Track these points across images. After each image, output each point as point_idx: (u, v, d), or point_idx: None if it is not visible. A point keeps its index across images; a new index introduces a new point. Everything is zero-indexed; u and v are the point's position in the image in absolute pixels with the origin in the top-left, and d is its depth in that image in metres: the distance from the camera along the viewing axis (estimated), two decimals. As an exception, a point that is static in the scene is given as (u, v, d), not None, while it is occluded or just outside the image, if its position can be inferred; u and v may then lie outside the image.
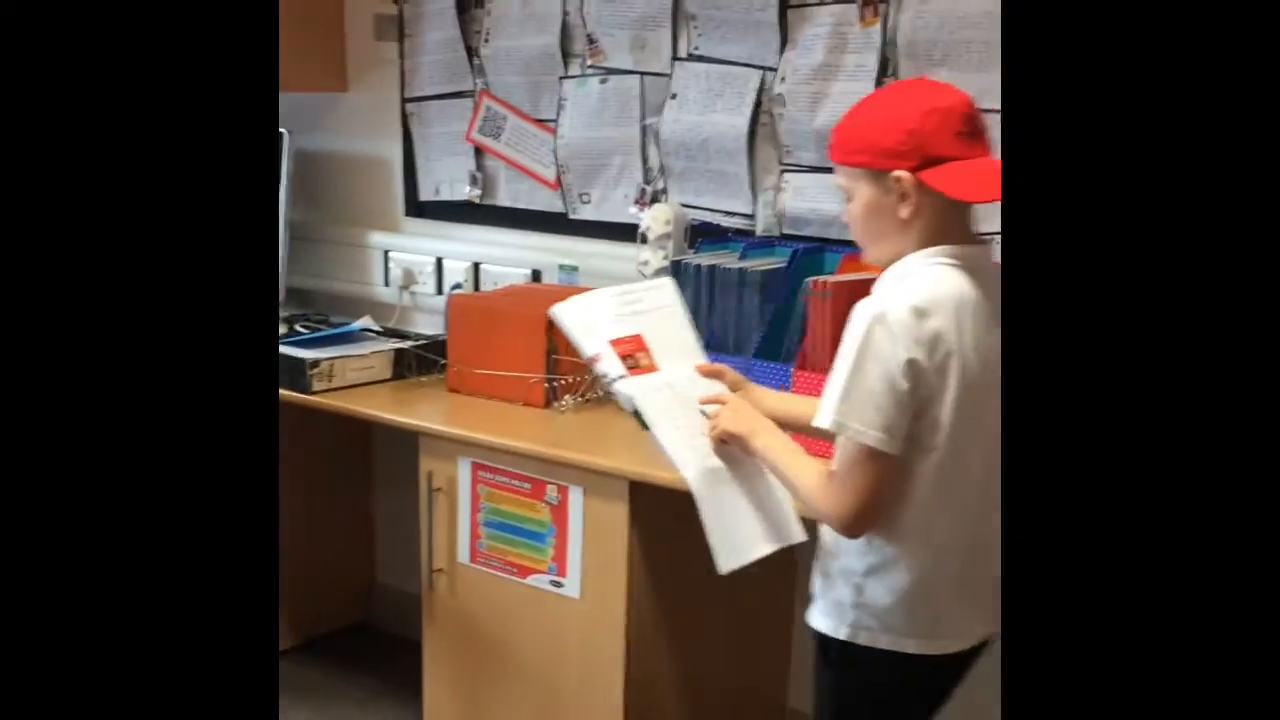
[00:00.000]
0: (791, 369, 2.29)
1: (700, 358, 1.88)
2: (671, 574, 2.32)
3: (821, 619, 1.70)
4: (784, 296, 2.36)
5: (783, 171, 2.56)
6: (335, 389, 2.68)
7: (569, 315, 1.85)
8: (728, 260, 2.46)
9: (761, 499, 1.74)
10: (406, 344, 2.83)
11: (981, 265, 1.60)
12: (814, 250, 2.45)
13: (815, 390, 2.24)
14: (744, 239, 2.57)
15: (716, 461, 1.73)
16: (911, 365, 1.52)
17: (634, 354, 1.82)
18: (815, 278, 2.29)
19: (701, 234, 2.59)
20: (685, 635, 2.39)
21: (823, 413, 1.56)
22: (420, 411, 2.58)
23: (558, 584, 2.33)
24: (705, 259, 2.47)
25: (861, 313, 1.56)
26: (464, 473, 2.43)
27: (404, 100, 3.11)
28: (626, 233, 2.68)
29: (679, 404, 1.78)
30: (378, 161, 3.22)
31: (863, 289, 2.27)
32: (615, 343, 1.82)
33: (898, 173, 1.57)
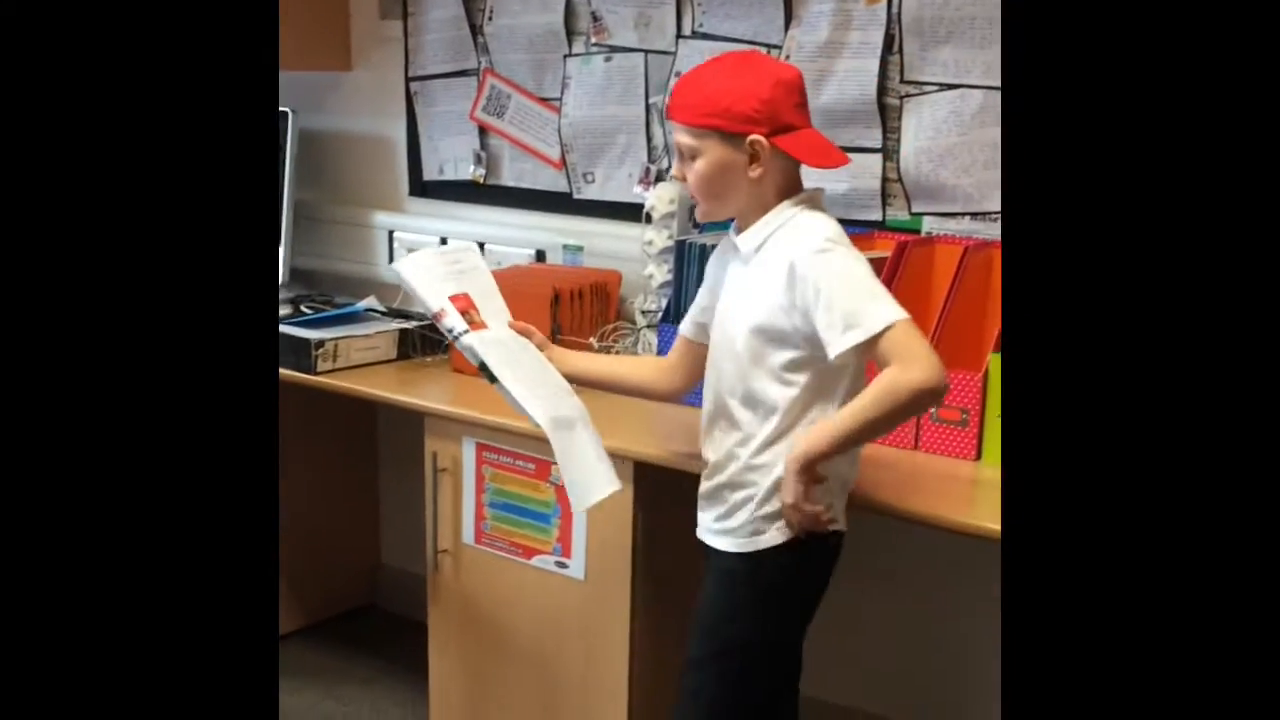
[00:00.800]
0: (796, 349, 2.28)
1: (508, 317, 2.02)
2: (676, 554, 2.31)
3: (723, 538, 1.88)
4: (789, 276, 2.35)
5: (788, 150, 2.54)
6: (340, 369, 2.68)
7: (411, 271, 1.93)
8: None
9: (601, 446, 1.90)
10: (411, 324, 2.82)
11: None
12: (819, 229, 2.44)
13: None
14: (749, 218, 2.55)
15: (564, 410, 1.88)
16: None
17: (468, 311, 1.94)
18: (820, 257, 2.28)
19: (706, 213, 2.57)
20: (689, 618, 2.38)
21: (858, 330, 1.66)
22: (425, 392, 2.57)
23: (562, 565, 2.33)
24: (709, 238, 2.46)
25: (807, 250, 1.72)
26: (468, 453, 2.43)
27: (408, 79, 3.09)
28: (631, 212, 2.67)
29: (516, 356, 1.94)
30: (382, 141, 3.20)
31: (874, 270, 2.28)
32: (452, 299, 1.93)
33: (754, 136, 1.74)
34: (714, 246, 2.41)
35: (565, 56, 2.81)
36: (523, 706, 2.44)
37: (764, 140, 1.75)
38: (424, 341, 2.78)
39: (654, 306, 2.55)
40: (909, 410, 1.73)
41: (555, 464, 1.87)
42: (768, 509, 1.82)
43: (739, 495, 1.84)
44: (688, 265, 2.45)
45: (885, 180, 2.43)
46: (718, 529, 1.89)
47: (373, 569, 3.44)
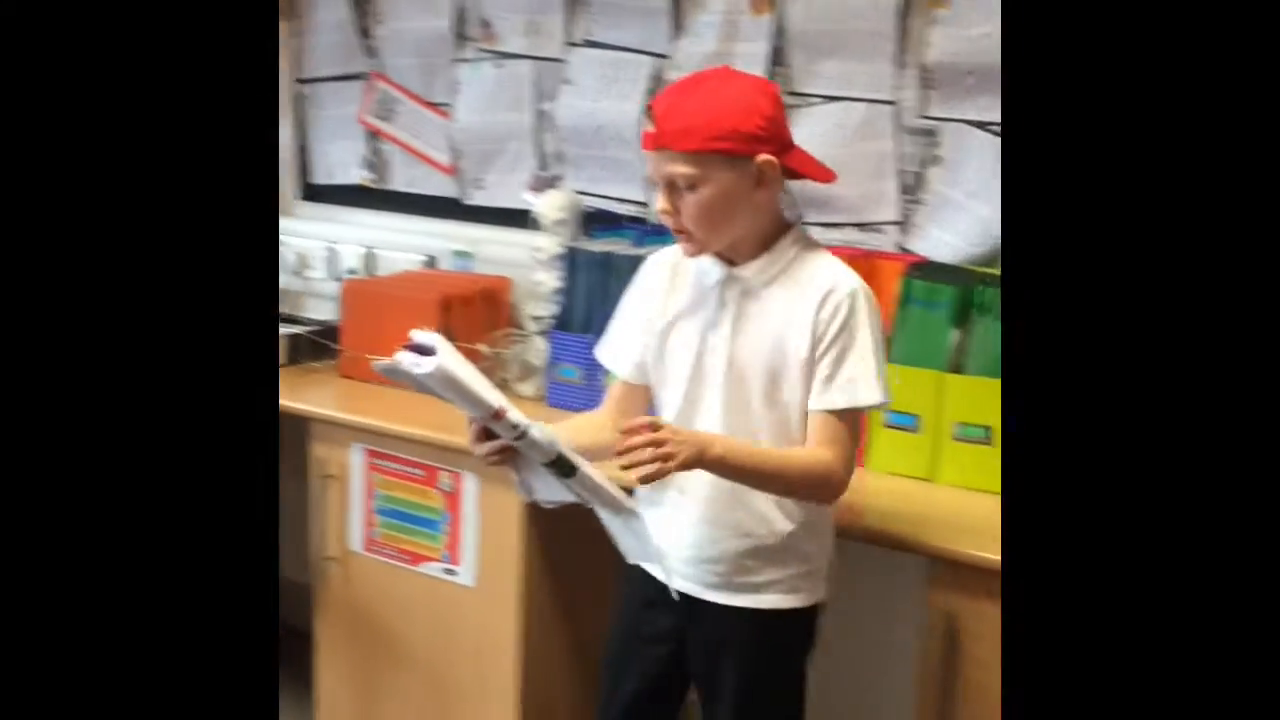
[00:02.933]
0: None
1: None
2: (565, 561, 2.33)
3: (784, 597, 1.74)
4: (677, 283, 2.37)
5: (677, 158, 2.57)
6: (224, 376, 2.63)
7: (459, 365, 1.53)
8: (622, 247, 2.47)
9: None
10: (299, 329, 2.79)
11: None
12: (707, 237, 2.47)
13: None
14: (638, 226, 2.57)
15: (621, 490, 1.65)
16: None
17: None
18: (708, 265, 2.31)
19: (596, 221, 2.59)
20: (580, 622, 2.40)
21: (845, 394, 1.62)
22: (312, 397, 2.55)
23: (451, 572, 2.33)
24: (600, 245, 2.48)
25: (850, 283, 1.64)
26: (357, 459, 2.41)
27: (295, 81, 3.06)
28: (521, 219, 2.68)
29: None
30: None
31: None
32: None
33: (765, 156, 1.60)
34: (606, 254, 2.44)
35: (455, 61, 2.81)
36: (413, 716, 2.43)
37: (774, 160, 1.62)
38: (311, 347, 2.75)
39: (545, 313, 2.56)
40: (807, 496, 1.69)
41: (606, 531, 1.71)
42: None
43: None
44: (578, 272, 2.47)
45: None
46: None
47: (259, 577, 3.39)
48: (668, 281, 1.77)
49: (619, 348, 1.82)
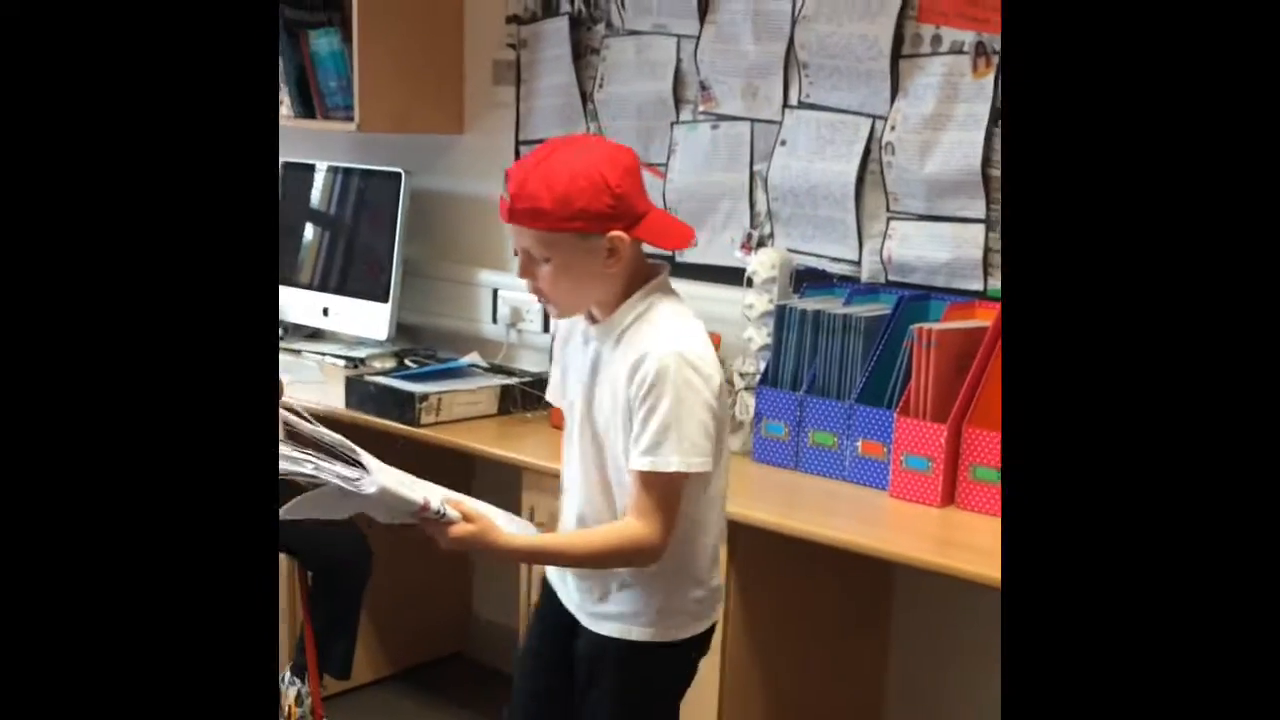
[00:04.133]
0: (894, 414, 2.29)
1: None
2: (768, 611, 2.32)
3: (636, 629, 1.81)
4: (887, 343, 2.36)
5: (890, 219, 2.57)
6: (442, 422, 2.74)
7: (384, 476, 1.67)
8: (833, 306, 2.48)
9: None
10: (512, 380, 2.88)
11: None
12: (919, 297, 2.45)
13: (919, 435, 2.24)
14: (849, 285, 2.58)
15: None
16: (708, 391, 1.70)
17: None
18: (920, 325, 2.29)
19: (807, 279, 2.60)
20: (777, 670, 2.38)
21: (653, 457, 1.67)
22: (524, 446, 2.62)
23: (654, 622, 2.34)
24: (810, 304, 2.49)
25: (661, 349, 1.68)
26: (565, 508, 2.46)
27: (518, 143, 3.18)
28: (733, 276, 2.71)
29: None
30: (491, 202, 3.27)
31: (970, 338, 2.29)
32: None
33: (614, 233, 1.68)
34: (815, 312, 2.45)
35: (673, 124, 2.87)
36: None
37: (624, 235, 1.69)
38: (525, 397, 2.83)
39: (752, 369, 2.58)
40: (626, 565, 1.76)
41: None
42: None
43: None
44: (788, 330, 2.48)
45: (987, 250, 2.44)
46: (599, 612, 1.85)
47: (464, 618, 3.48)
48: (565, 337, 1.90)
49: (550, 394, 2.00)
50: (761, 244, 2.74)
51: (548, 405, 2.74)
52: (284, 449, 1.62)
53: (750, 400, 2.55)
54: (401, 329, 3.29)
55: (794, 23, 2.64)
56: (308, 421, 1.69)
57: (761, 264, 2.58)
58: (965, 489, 2.23)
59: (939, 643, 2.56)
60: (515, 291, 3.18)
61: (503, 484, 2.80)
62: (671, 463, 1.67)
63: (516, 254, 1.76)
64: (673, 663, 1.85)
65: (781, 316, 2.49)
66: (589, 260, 1.70)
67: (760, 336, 2.56)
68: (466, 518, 1.72)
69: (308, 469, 1.63)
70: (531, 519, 2.50)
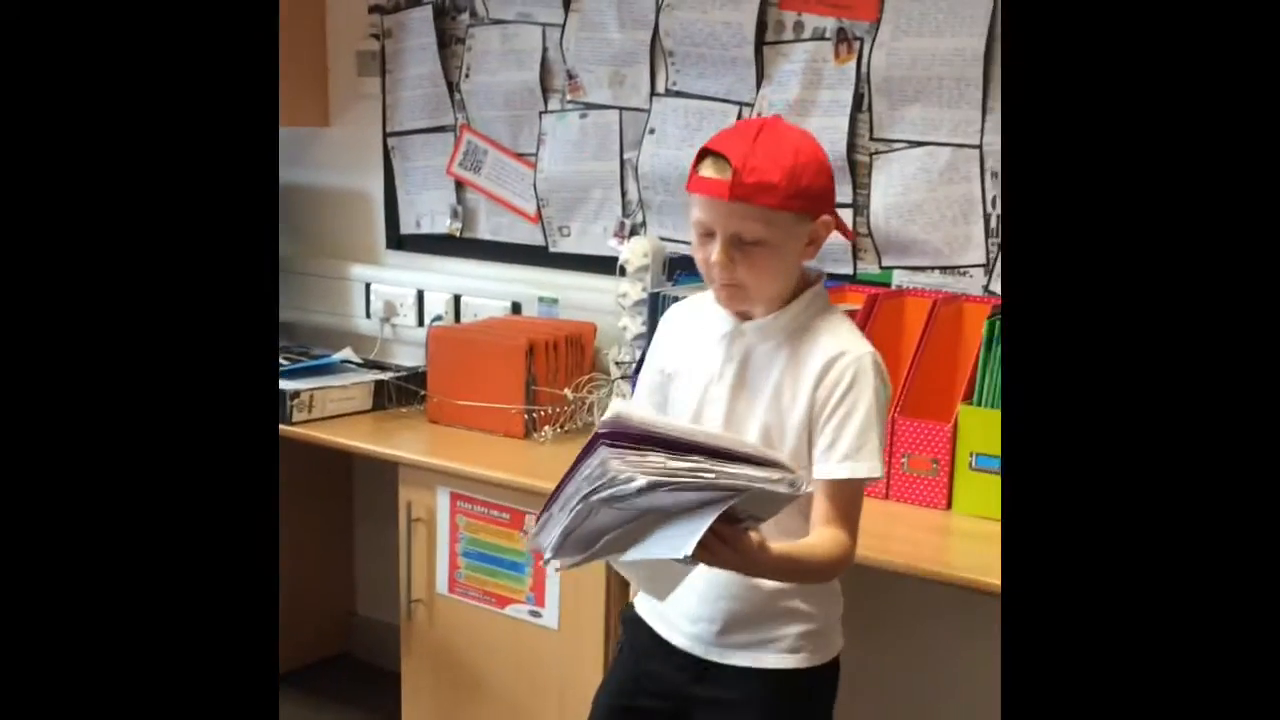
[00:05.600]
0: (768, 400, 2.31)
1: None
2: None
3: (785, 657, 1.67)
4: (761, 328, 2.39)
5: (759, 205, 2.59)
6: (315, 419, 2.69)
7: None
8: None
9: None
10: (387, 375, 2.84)
11: None
12: (790, 282, 2.48)
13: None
14: (721, 271, 2.59)
15: None
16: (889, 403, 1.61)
17: None
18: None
19: (680, 267, 2.62)
20: None
21: (854, 463, 1.56)
22: (400, 442, 2.59)
23: (536, 614, 2.34)
24: (683, 291, 2.50)
25: (851, 358, 1.58)
26: (443, 503, 2.45)
27: (385, 134, 3.13)
28: (606, 265, 2.71)
29: None
30: (359, 195, 3.24)
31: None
32: None
33: (825, 217, 1.59)
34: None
35: (541, 113, 2.86)
36: (496, 757, 2.44)
37: (832, 221, 1.60)
38: (399, 392, 2.80)
39: (628, 358, 2.58)
40: (830, 578, 1.65)
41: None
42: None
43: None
44: (661, 317, 2.49)
45: (855, 234, 2.48)
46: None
47: (347, 618, 3.44)
48: (682, 328, 1.73)
49: (637, 399, 1.78)
50: (634, 232, 2.75)
51: (423, 399, 2.72)
52: (671, 461, 1.33)
53: (627, 389, 2.56)
54: (272, 326, 3.22)
55: (658, 10, 2.64)
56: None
57: (634, 252, 2.59)
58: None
59: (884, 638, 2.59)
60: (387, 286, 3.14)
61: (379, 480, 2.78)
62: (872, 469, 1.57)
63: (706, 240, 1.57)
64: (832, 684, 1.74)
65: (655, 304, 2.50)
66: (796, 245, 1.58)
67: (635, 325, 2.57)
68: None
69: (707, 477, 1.33)
70: (409, 515, 2.48)
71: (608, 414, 1.35)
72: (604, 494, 1.33)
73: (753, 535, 1.43)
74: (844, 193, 2.47)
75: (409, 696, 2.56)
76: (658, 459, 1.33)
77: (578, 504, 1.36)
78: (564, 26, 2.79)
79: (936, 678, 2.48)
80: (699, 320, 1.70)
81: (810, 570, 1.58)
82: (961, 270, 2.39)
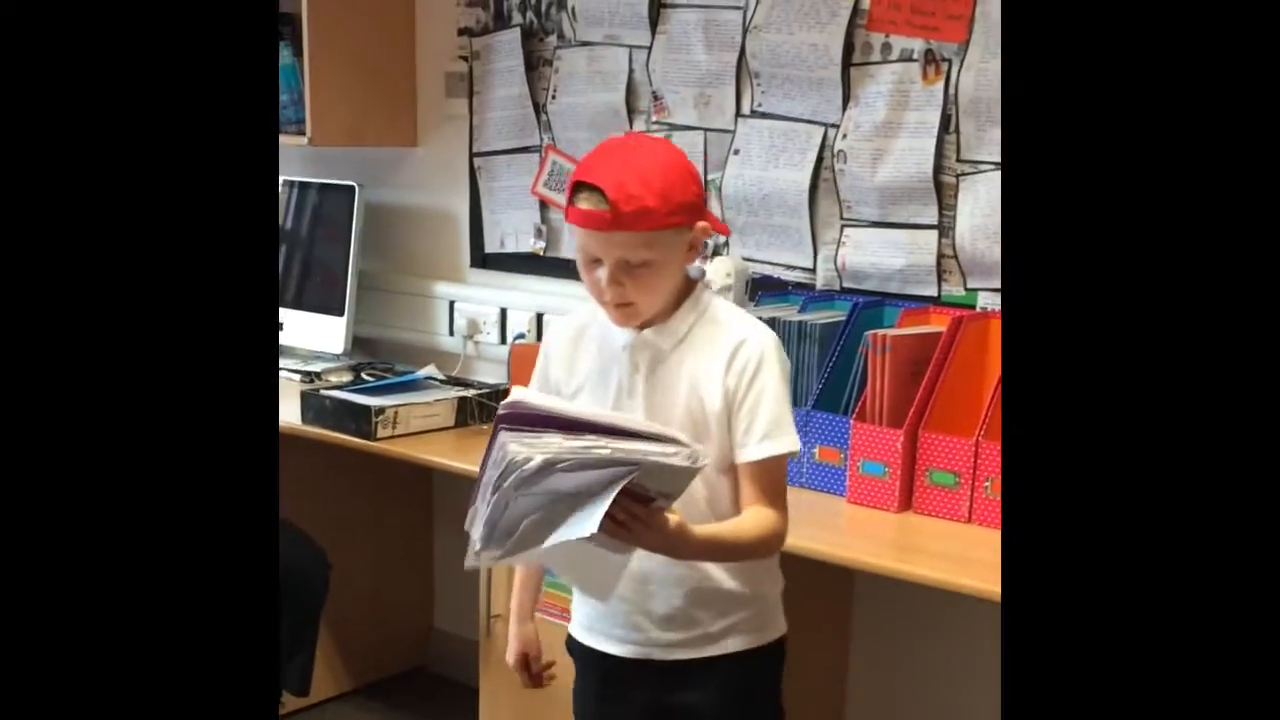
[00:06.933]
0: (850, 421, 2.30)
1: None
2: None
3: (742, 638, 1.73)
4: (843, 349, 2.38)
5: (843, 226, 2.59)
6: (399, 435, 2.72)
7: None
8: (788, 313, 2.49)
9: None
10: (469, 392, 2.87)
11: None
12: (873, 304, 2.47)
13: (875, 441, 2.25)
14: (804, 292, 2.59)
15: None
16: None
17: None
18: (874, 331, 2.31)
19: (762, 287, 2.62)
20: None
21: (774, 442, 1.64)
22: (481, 458, 2.61)
23: (615, 631, 2.34)
24: (766, 311, 2.50)
25: (760, 336, 1.67)
26: (524, 519, 2.46)
27: (472, 155, 3.17)
28: (688, 285, 2.71)
29: None
30: (445, 214, 3.28)
31: (924, 343, 2.30)
32: None
33: (701, 224, 1.64)
34: (770, 319, 2.45)
35: (626, 134, 2.88)
36: (572, 774, 2.44)
37: (709, 225, 1.66)
38: (481, 409, 2.82)
39: (709, 378, 2.58)
40: (763, 556, 1.70)
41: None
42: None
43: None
44: (542, 339, 2.47)
45: (940, 256, 2.46)
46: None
47: (426, 632, 3.47)
48: (571, 346, 1.77)
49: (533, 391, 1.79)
50: (717, 252, 2.75)
51: (505, 417, 2.74)
52: (567, 441, 1.40)
53: (708, 408, 2.56)
54: (358, 342, 3.27)
55: (745, 32, 2.65)
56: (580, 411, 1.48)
57: (717, 272, 2.59)
58: (922, 494, 2.24)
59: (899, 648, 2.58)
60: (471, 303, 3.18)
61: (461, 496, 2.79)
62: (789, 444, 1.65)
63: (593, 265, 1.63)
64: (777, 665, 1.82)
65: (737, 324, 2.50)
66: (679, 255, 1.65)
67: (717, 345, 2.57)
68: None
69: (602, 453, 1.39)
70: (491, 531, 2.50)
71: (508, 399, 1.45)
72: (510, 478, 1.40)
73: (670, 515, 1.50)
74: (929, 214, 2.46)
75: (486, 712, 2.57)
76: (554, 439, 1.40)
77: (493, 494, 1.43)
78: (650, 48, 2.81)
79: (951, 687, 2.43)
80: (589, 337, 1.75)
81: (740, 548, 1.65)
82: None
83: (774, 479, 1.66)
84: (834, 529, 2.22)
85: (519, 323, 3.08)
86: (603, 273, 1.62)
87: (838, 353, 2.38)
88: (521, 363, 2.71)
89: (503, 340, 3.11)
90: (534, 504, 1.44)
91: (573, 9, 2.92)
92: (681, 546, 1.56)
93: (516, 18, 3.03)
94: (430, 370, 3.05)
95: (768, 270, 2.68)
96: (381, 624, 3.33)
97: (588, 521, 1.40)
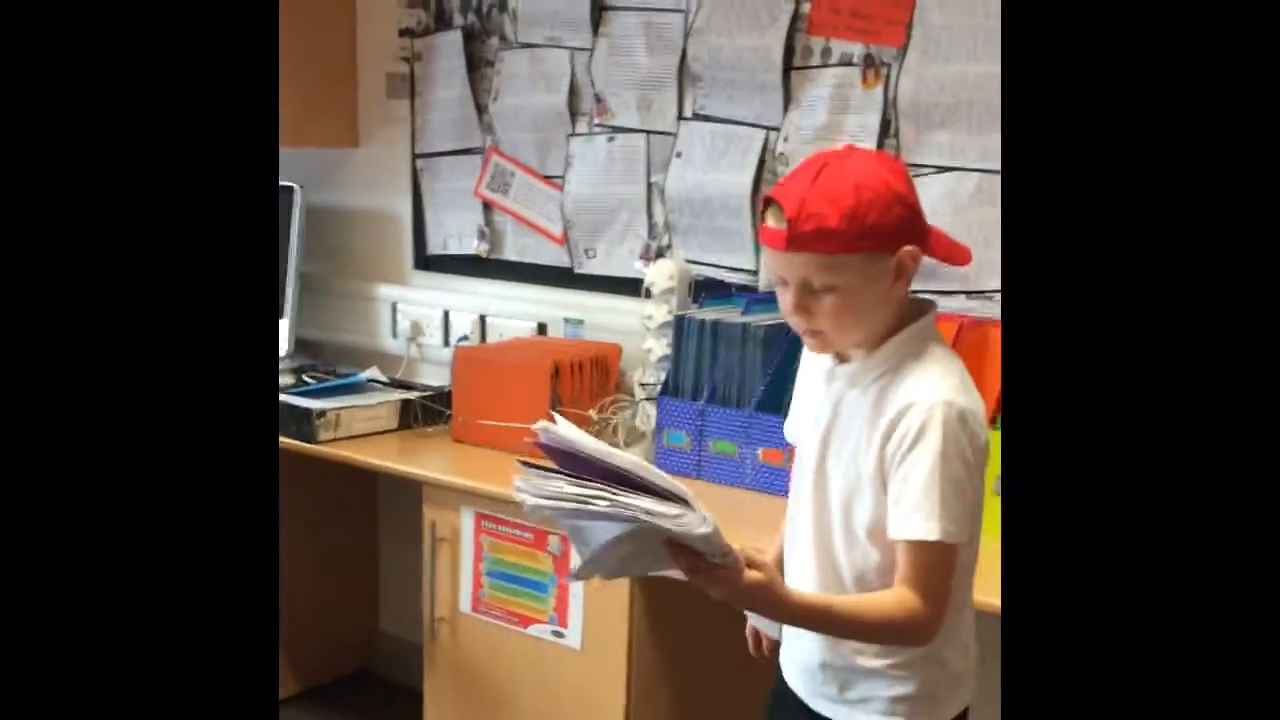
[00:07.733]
0: (792, 422, 2.32)
1: None
2: (673, 624, 2.33)
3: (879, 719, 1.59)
4: (786, 351, 2.39)
5: (785, 229, 2.60)
6: (341, 438, 2.71)
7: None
8: (731, 315, 2.50)
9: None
10: (413, 395, 2.86)
11: None
12: (816, 306, 2.49)
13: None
14: (747, 294, 2.60)
15: None
16: (980, 456, 1.47)
17: None
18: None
19: (705, 289, 2.63)
20: (686, 686, 2.39)
21: (915, 525, 1.44)
22: (425, 461, 2.61)
23: (559, 634, 2.35)
24: (709, 314, 2.51)
25: (921, 408, 1.45)
26: (467, 522, 2.46)
27: (414, 156, 3.16)
28: (631, 287, 2.72)
29: None
30: (387, 216, 3.26)
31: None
32: None
33: (908, 248, 1.47)
34: (714, 322, 2.47)
35: (569, 136, 2.88)
36: (517, 777, 2.44)
37: (918, 251, 1.48)
38: (425, 412, 2.81)
39: (652, 379, 2.59)
40: (891, 642, 1.53)
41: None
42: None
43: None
44: (687, 339, 2.50)
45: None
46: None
47: (370, 635, 3.45)
48: (812, 359, 1.63)
49: (789, 425, 1.71)
50: (660, 255, 2.76)
51: (448, 419, 2.74)
52: (569, 486, 1.33)
53: (651, 410, 2.56)
54: (300, 345, 3.24)
55: (686, 35, 2.66)
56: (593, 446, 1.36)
57: (660, 274, 2.60)
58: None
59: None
60: (414, 306, 3.16)
61: (404, 499, 2.79)
62: (929, 530, 1.43)
63: (782, 286, 1.50)
64: None
65: (680, 326, 2.51)
66: (876, 285, 1.46)
67: (660, 347, 2.58)
68: (752, 564, 1.40)
69: (600, 505, 1.31)
70: (433, 534, 2.49)
71: (539, 423, 1.37)
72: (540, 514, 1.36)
73: (750, 574, 1.39)
74: (870, 217, 2.48)
75: (431, 715, 2.56)
76: (557, 483, 1.33)
77: (564, 520, 1.39)
78: (592, 51, 2.81)
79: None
80: (823, 358, 1.60)
81: (859, 626, 1.49)
82: (988, 295, 2.39)
83: (922, 564, 1.45)
84: (778, 530, 2.23)
85: (462, 325, 3.08)
86: (788, 296, 1.49)
87: (781, 354, 2.39)
88: (465, 365, 2.71)
89: (446, 343, 3.10)
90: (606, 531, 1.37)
91: (514, 11, 2.92)
92: (766, 607, 1.44)
93: (458, 19, 3.02)
94: (373, 373, 3.04)
95: (711, 272, 2.69)
96: (326, 627, 3.31)
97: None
